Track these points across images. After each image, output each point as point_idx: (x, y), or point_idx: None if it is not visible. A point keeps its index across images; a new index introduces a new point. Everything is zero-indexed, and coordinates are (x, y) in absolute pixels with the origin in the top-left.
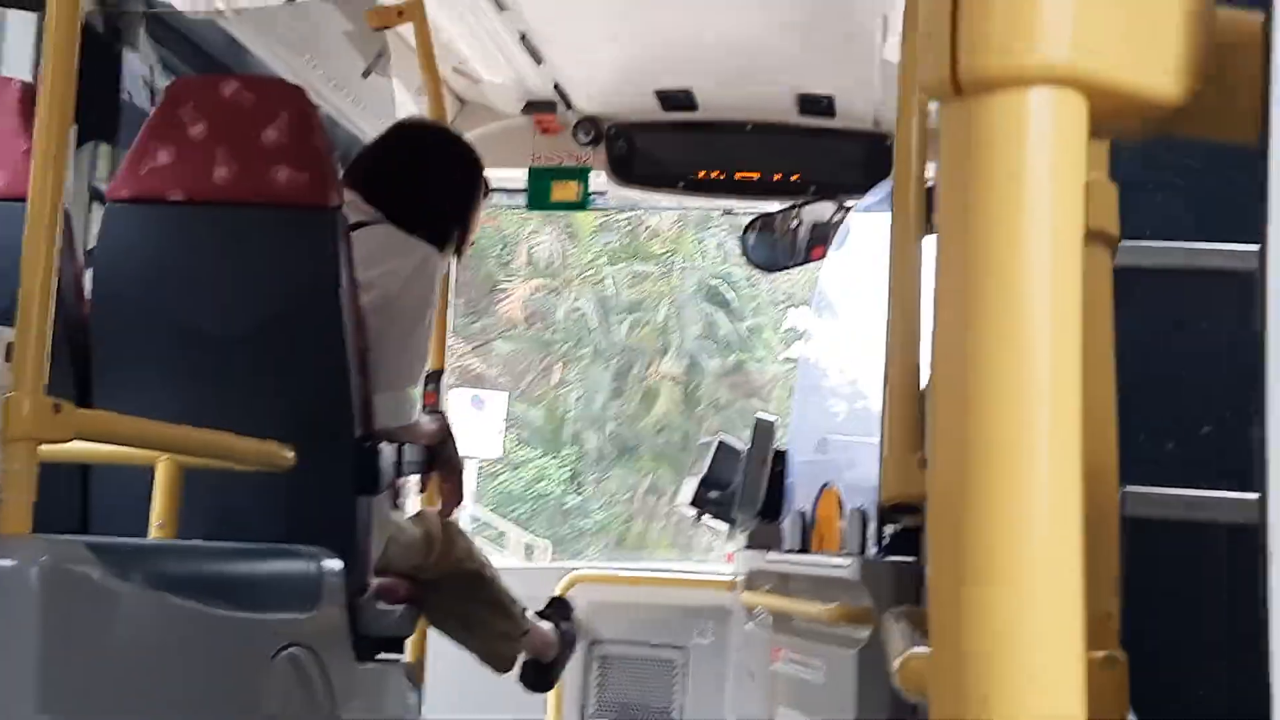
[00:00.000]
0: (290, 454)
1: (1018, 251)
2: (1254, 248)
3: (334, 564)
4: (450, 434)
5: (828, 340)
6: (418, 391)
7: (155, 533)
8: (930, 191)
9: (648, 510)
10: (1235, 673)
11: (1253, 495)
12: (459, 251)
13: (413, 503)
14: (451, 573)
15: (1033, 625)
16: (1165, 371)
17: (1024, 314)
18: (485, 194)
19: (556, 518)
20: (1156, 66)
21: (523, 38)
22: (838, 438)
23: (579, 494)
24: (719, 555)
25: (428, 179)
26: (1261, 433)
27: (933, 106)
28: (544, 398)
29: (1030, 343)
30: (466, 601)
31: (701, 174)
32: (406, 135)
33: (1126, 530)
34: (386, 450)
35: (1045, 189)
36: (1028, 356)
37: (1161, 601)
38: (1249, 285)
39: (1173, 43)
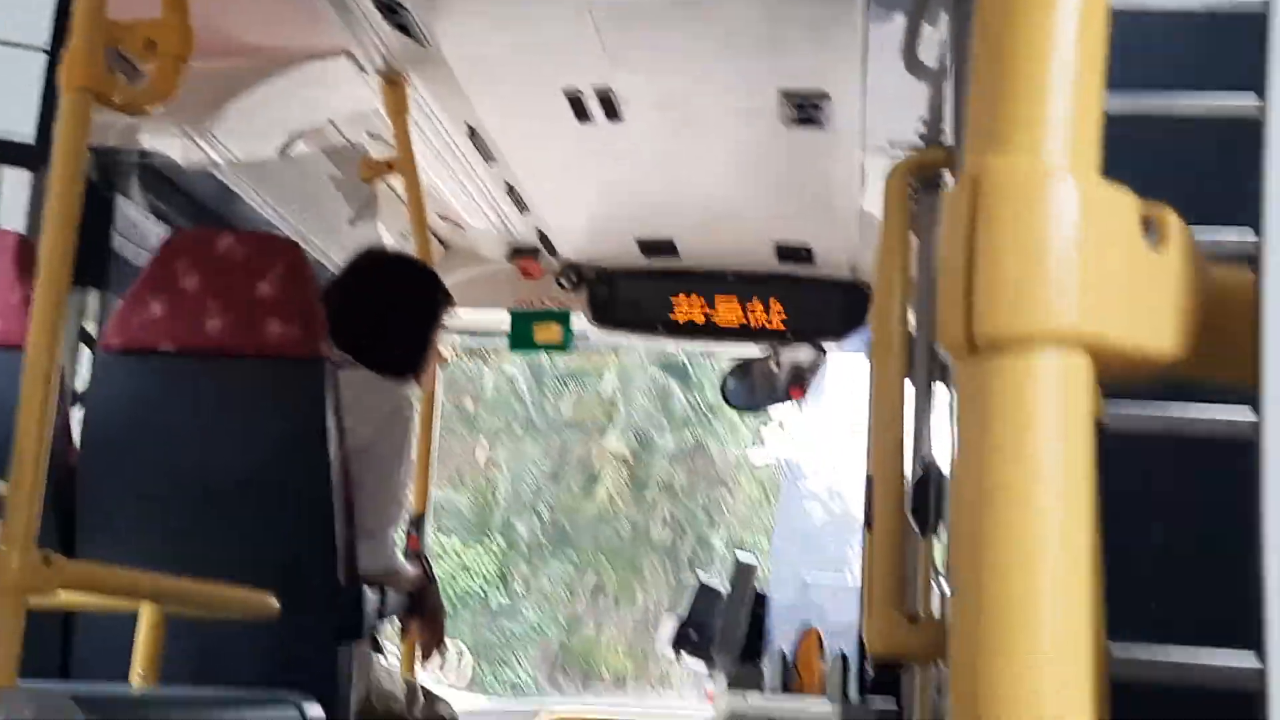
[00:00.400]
0: (275, 603)
1: (1030, 504)
2: (1234, 414)
3: (316, 711)
4: (433, 579)
5: (807, 481)
6: (399, 536)
7: (137, 680)
8: (911, 340)
9: (596, 614)
10: None
11: (1249, 662)
12: (419, 377)
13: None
14: None
15: None
16: (1141, 531)
17: (1034, 554)
18: (448, 309)
19: (481, 620)
20: (1156, 326)
21: (509, 189)
22: (818, 578)
23: (507, 593)
24: (686, 683)
25: (391, 318)
26: (1260, 599)
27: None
28: (470, 480)
29: (1039, 580)
30: None
31: (681, 319)
32: (365, 274)
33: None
34: (369, 596)
35: (1054, 440)
36: (1037, 587)
37: None
38: (1229, 448)
39: (1169, 304)
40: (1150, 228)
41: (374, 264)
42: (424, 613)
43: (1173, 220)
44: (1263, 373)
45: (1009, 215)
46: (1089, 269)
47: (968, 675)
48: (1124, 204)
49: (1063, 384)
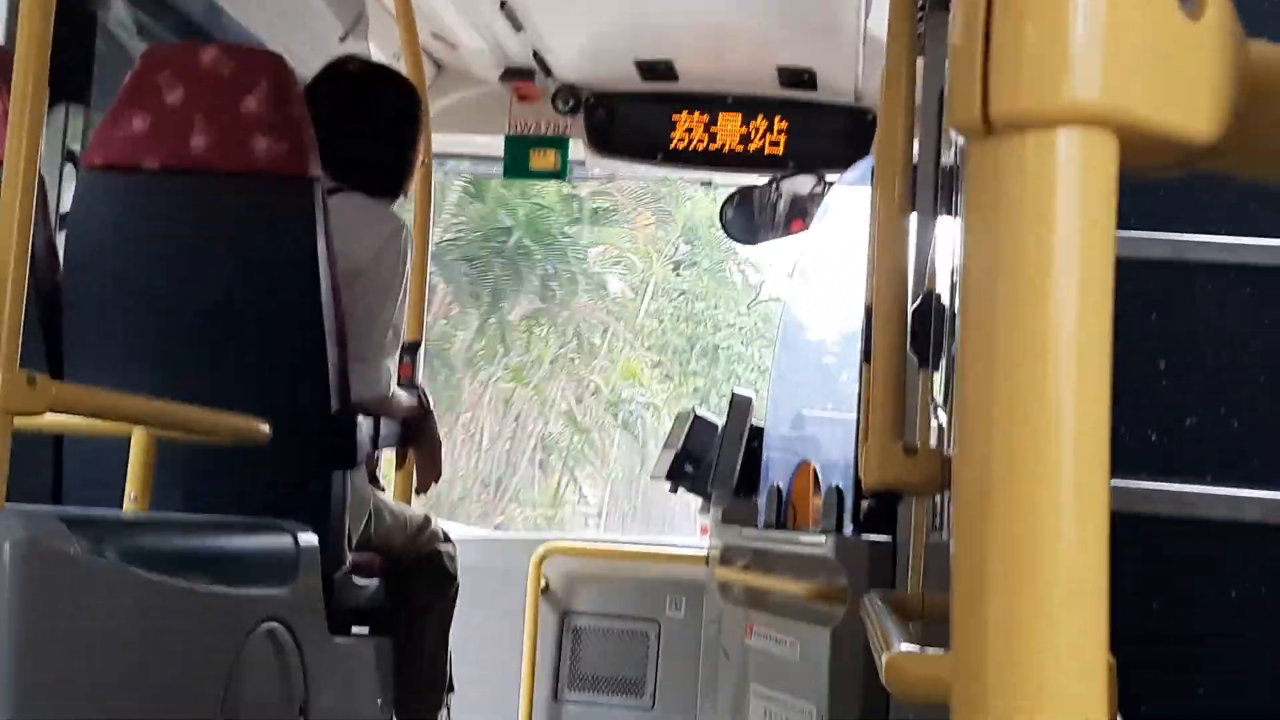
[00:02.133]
0: (266, 428)
1: (1047, 293)
2: (1240, 240)
3: (310, 538)
4: (428, 408)
5: (805, 316)
6: (393, 364)
7: (129, 505)
8: (915, 169)
9: None
10: (1229, 670)
11: (1248, 491)
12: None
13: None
14: (426, 565)
15: (1060, 631)
16: (1147, 363)
17: (1052, 350)
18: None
19: None
20: (1188, 105)
21: (502, 4)
22: (814, 413)
23: None
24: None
25: (373, 136)
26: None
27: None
28: None
29: (1057, 374)
30: (424, 600)
31: (680, 145)
32: (338, 89)
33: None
34: (363, 424)
35: (1075, 228)
36: (1054, 386)
37: (1149, 599)
38: (1234, 277)
39: (1204, 82)
40: None
41: (346, 77)
42: (420, 443)
43: None
44: None
45: None
46: (1117, 37)
47: (975, 497)
48: None
49: (1086, 165)
